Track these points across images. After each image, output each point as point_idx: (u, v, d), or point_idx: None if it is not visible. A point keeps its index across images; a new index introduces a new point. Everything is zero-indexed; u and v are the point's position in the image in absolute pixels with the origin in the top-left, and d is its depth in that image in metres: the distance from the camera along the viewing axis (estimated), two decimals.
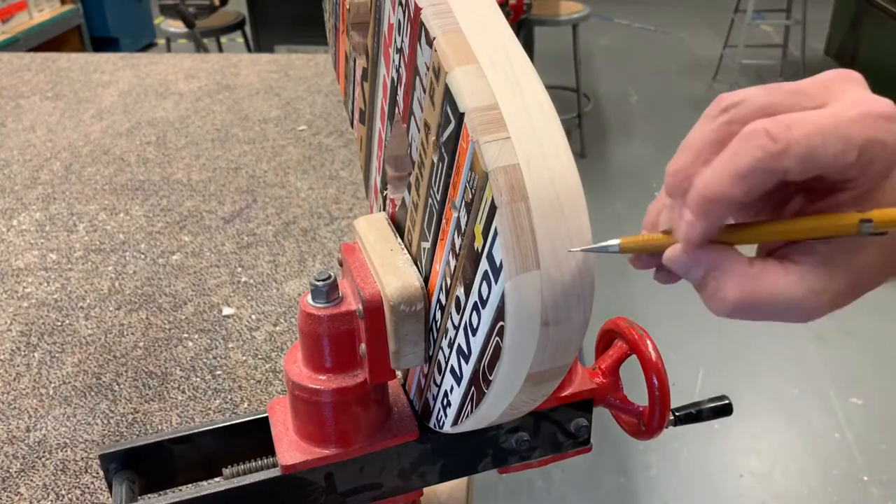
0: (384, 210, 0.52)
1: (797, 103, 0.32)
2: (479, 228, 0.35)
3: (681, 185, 0.33)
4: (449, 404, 0.44)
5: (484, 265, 0.35)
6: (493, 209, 0.34)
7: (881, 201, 0.32)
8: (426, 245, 0.43)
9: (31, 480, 0.68)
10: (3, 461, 0.70)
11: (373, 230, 0.48)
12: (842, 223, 0.31)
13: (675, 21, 5.39)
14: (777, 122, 0.30)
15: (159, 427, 0.73)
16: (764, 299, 0.32)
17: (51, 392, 0.77)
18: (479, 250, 0.35)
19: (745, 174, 0.30)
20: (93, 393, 0.77)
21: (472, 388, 0.40)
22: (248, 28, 3.33)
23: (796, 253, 0.33)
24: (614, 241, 0.33)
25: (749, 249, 0.35)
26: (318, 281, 0.45)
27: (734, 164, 0.31)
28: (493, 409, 0.40)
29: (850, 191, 0.32)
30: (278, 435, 0.49)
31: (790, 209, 0.34)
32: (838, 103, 0.32)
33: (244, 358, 0.81)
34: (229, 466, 0.50)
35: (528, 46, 3.46)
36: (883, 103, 0.31)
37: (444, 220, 0.40)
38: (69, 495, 0.66)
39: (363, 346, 0.45)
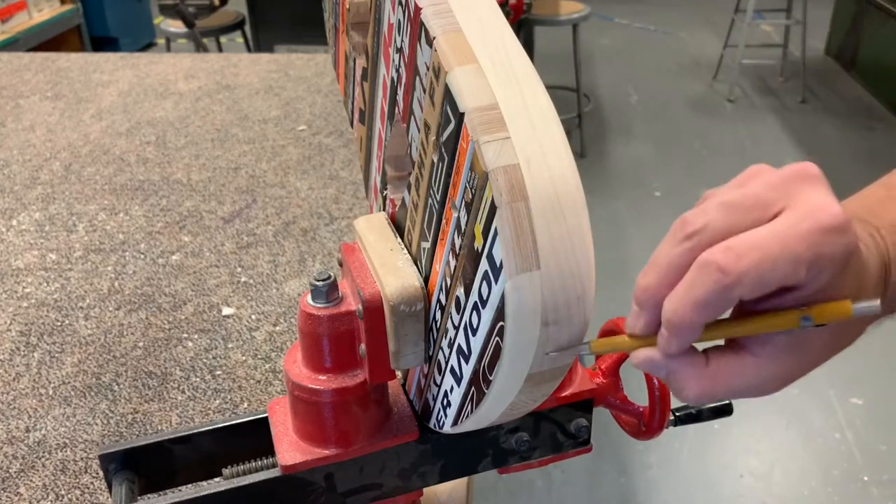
0: (384, 210, 0.52)
1: (756, 219, 0.34)
2: (479, 228, 0.35)
3: (649, 300, 0.36)
4: (449, 404, 0.44)
5: (484, 265, 0.35)
6: (493, 209, 0.34)
7: (833, 295, 0.34)
8: (426, 245, 0.43)
9: (31, 480, 0.68)
10: (2, 461, 0.70)
11: (373, 230, 0.48)
12: (784, 320, 0.34)
13: (675, 21, 5.39)
14: (728, 252, 0.32)
15: (159, 427, 0.73)
16: (722, 391, 0.37)
17: (50, 392, 0.77)
18: (479, 250, 0.35)
19: (703, 304, 0.33)
20: (92, 393, 0.77)
21: (472, 388, 0.40)
22: (247, 28, 3.33)
23: (752, 344, 0.36)
24: (585, 345, 0.36)
25: None
26: (318, 281, 0.45)
27: (692, 294, 0.33)
28: (493, 410, 0.40)
29: (802, 291, 0.34)
30: (278, 435, 0.49)
31: (747, 307, 0.36)
32: (791, 214, 0.33)
33: (244, 358, 0.81)
34: (229, 466, 0.50)
35: (528, 46, 3.46)
36: (832, 213, 0.33)
37: (444, 220, 0.40)
38: (69, 495, 0.66)
39: (363, 346, 0.44)
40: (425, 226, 0.42)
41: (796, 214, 0.33)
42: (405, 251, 0.45)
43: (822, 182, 0.34)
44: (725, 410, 0.56)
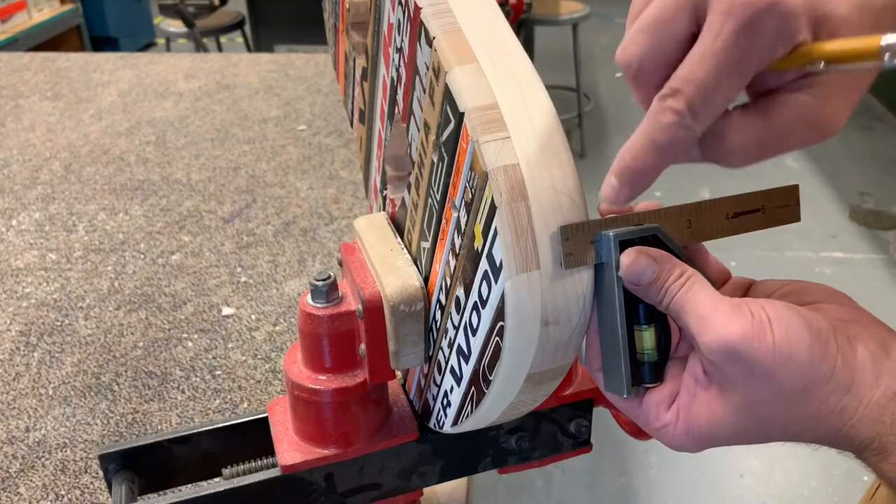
0: (384, 210, 0.52)
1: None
2: (479, 228, 0.35)
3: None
4: (449, 404, 0.44)
5: (484, 265, 0.35)
6: (492, 209, 0.34)
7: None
8: (426, 245, 0.43)
9: (31, 480, 0.68)
10: (2, 461, 0.70)
11: (373, 230, 0.48)
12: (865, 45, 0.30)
13: None
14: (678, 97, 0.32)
15: (159, 427, 0.73)
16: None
17: (50, 392, 0.77)
18: (479, 250, 0.35)
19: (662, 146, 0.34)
20: (92, 393, 0.77)
21: (472, 388, 0.40)
22: (247, 28, 3.33)
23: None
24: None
25: None
26: (318, 281, 0.45)
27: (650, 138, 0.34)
28: (493, 410, 0.40)
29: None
30: (278, 435, 0.49)
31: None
32: (711, 19, 0.32)
33: (244, 358, 0.81)
34: (229, 466, 0.50)
35: (528, 46, 3.45)
36: None
37: (444, 220, 0.40)
38: (69, 495, 0.66)
39: (363, 346, 0.44)
40: (425, 226, 0.42)
41: (715, 16, 0.31)
42: (405, 251, 0.45)
43: None
44: None
